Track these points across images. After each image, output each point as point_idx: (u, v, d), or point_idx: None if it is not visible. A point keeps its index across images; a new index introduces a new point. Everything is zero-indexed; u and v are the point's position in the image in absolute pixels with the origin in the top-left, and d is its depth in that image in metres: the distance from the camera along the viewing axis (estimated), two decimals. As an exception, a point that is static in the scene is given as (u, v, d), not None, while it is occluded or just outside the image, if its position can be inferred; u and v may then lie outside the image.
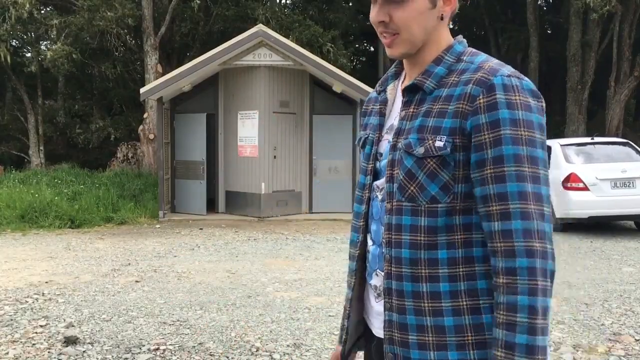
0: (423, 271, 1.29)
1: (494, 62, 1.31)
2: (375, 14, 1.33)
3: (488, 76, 1.26)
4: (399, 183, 1.32)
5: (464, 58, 1.35)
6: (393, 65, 1.51)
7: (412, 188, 1.30)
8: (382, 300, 1.38)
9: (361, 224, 1.45)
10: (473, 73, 1.29)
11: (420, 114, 1.33)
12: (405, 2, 1.30)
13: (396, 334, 1.33)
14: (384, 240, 1.35)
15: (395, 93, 1.46)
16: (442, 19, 1.35)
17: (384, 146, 1.41)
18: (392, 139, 1.37)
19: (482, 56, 1.35)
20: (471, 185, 1.27)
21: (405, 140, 1.32)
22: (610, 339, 4.47)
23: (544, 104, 1.29)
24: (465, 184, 1.28)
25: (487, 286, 1.28)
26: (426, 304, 1.29)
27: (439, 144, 1.27)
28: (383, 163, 1.40)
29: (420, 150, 1.29)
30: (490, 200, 1.23)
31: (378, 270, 1.40)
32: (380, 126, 1.44)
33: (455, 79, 1.31)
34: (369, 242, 1.44)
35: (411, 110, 1.35)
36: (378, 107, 1.48)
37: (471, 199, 1.28)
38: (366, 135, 1.48)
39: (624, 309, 5.28)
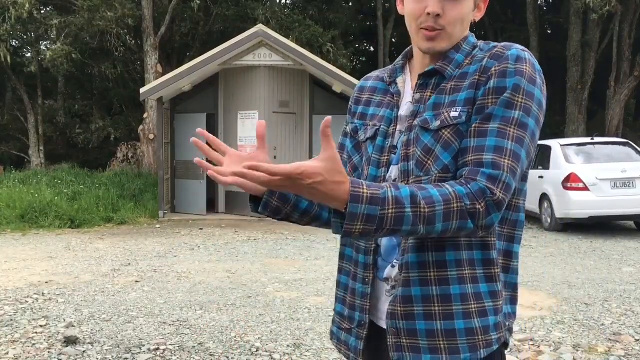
0: (429, 241, 1.30)
1: (507, 42, 1.38)
2: (432, 5, 1.33)
3: (503, 50, 1.33)
4: (417, 159, 1.33)
5: (479, 45, 1.41)
6: (400, 58, 1.51)
7: (429, 162, 1.32)
8: (394, 292, 1.37)
9: None
10: (488, 52, 1.35)
11: (436, 94, 1.37)
12: (460, 0, 1.34)
13: (399, 308, 1.33)
14: None
15: (404, 86, 1.46)
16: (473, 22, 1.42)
17: (397, 137, 1.41)
18: (408, 121, 1.38)
19: (495, 43, 1.41)
20: None
21: (421, 118, 1.35)
22: (610, 339, 4.47)
23: (545, 89, 1.34)
24: None
25: (482, 257, 1.31)
26: (432, 273, 1.30)
27: (454, 114, 1.31)
28: (397, 152, 1.39)
29: (437, 124, 1.32)
30: (468, 152, 1.27)
31: (395, 260, 1.38)
32: (396, 119, 1.43)
33: (469, 60, 1.37)
34: None
35: (428, 93, 1.38)
36: (389, 99, 1.46)
37: None
38: (377, 127, 1.44)
39: (624, 309, 5.27)
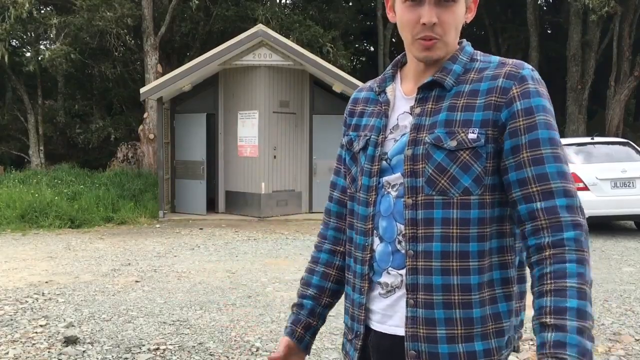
0: (455, 264, 1.30)
1: (512, 59, 1.38)
2: (428, 15, 1.32)
3: (517, 69, 1.32)
4: (428, 177, 1.32)
5: (478, 58, 1.40)
6: (389, 67, 1.51)
7: (443, 181, 1.31)
8: (392, 296, 1.37)
9: (369, 226, 1.42)
10: (498, 69, 1.34)
11: (444, 109, 1.34)
12: (453, 6, 1.34)
13: (422, 330, 1.32)
14: (406, 236, 1.34)
15: (394, 94, 1.45)
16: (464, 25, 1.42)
17: (389, 146, 1.40)
18: (410, 134, 1.36)
19: (496, 57, 1.40)
20: (498, 177, 1.31)
21: (432, 134, 1.33)
22: (610, 339, 4.47)
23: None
24: (493, 176, 1.31)
25: (500, 276, 1.33)
26: (456, 297, 1.30)
27: (472, 136, 1.30)
28: (395, 160, 1.38)
29: (453, 144, 1.31)
30: (529, 183, 1.27)
31: (390, 268, 1.38)
32: (385, 127, 1.42)
33: (476, 75, 1.35)
34: (376, 242, 1.41)
35: (429, 106, 1.37)
36: (378, 108, 1.46)
37: (497, 191, 1.32)
38: (367, 137, 1.45)
39: (624, 309, 5.28)
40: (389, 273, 1.38)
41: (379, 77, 1.52)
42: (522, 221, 1.28)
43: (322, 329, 4.70)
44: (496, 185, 1.32)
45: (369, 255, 1.41)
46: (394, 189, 1.38)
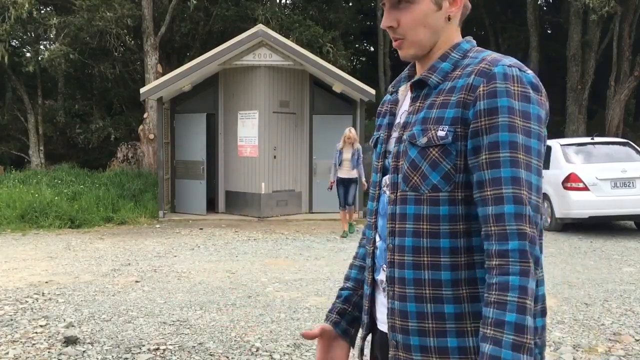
0: (425, 259, 1.32)
1: (497, 55, 1.34)
2: (383, 20, 1.38)
3: (490, 66, 1.29)
4: (404, 173, 1.36)
5: (470, 54, 1.38)
6: (407, 68, 1.55)
7: (415, 178, 1.34)
8: (385, 294, 1.41)
9: (373, 220, 1.47)
10: (477, 65, 1.31)
11: (425, 107, 1.37)
12: (410, 6, 1.35)
13: (397, 322, 1.35)
14: (387, 230, 1.39)
15: (405, 93, 1.49)
16: (449, 19, 1.38)
17: (392, 143, 1.44)
18: (399, 132, 1.41)
19: (487, 52, 1.37)
20: (470, 174, 1.30)
21: (410, 132, 1.36)
22: (610, 339, 4.47)
23: (544, 97, 1.30)
24: (466, 173, 1.30)
25: (483, 275, 1.29)
26: (428, 291, 1.31)
27: (441, 133, 1.30)
28: (390, 158, 1.44)
29: (423, 140, 1.32)
30: (485, 186, 1.25)
31: (384, 265, 1.41)
32: (390, 125, 1.48)
33: (461, 72, 1.34)
34: (377, 239, 1.46)
35: (417, 104, 1.39)
36: (389, 107, 1.52)
37: (471, 188, 1.30)
38: (378, 135, 1.52)
39: (624, 309, 5.27)
40: (383, 270, 1.42)
41: (398, 77, 1.58)
42: (480, 223, 1.28)
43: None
44: (470, 182, 1.30)
45: (372, 249, 1.47)
46: (388, 187, 1.43)
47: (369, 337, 1.52)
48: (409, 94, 1.46)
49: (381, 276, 1.43)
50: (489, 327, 1.20)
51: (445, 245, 1.30)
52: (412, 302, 1.33)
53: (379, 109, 1.61)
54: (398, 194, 1.37)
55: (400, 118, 1.45)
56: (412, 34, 1.37)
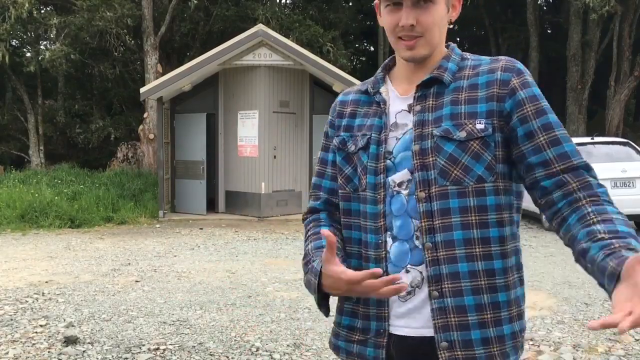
0: (477, 250, 1.35)
1: (502, 56, 1.46)
2: (405, 18, 1.37)
3: (513, 64, 1.40)
4: (440, 168, 1.36)
5: (468, 57, 1.47)
6: (379, 70, 1.55)
7: (456, 172, 1.35)
8: (413, 298, 1.37)
9: (381, 223, 1.43)
10: (492, 64, 1.42)
11: (447, 104, 1.40)
12: (431, 7, 1.38)
13: (453, 319, 1.34)
14: (422, 229, 1.36)
15: (389, 95, 1.49)
16: (449, 23, 1.46)
17: (392, 144, 1.43)
18: (415, 130, 1.40)
19: (484, 56, 1.48)
20: (507, 165, 1.37)
21: (439, 128, 1.38)
22: (610, 339, 4.47)
23: None
24: (504, 163, 1.37)
25: (515, 262, 1.39)
26: (483, 282, 1.34)
27: (479, 126, 1.36)
28: (400, 157, 1.41)
29: (462, 135, 1.36)
30: (552, 162, 1.34)
31: (409, 265, 1.38)
32: (385, 125, 1.45)
33: (470, 72, 1.42)
34: (389, 242, 1.41)
35: (429, 102, 1.41)
36: (375, 108, 1.49)
37: (507, 179, 1.38)
38: (368, 136, 1.46)
39: (624, 309, 5.27)
40: (407, 271, 1.38)
41: (370, 79, 1.56)
42: (548, 192, 1.34)
43: (322, 328, 4.71)
44: (506, 173, 1.37)
45: (383, 252, 1.42)
46: (403, 187, 1.40)
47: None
48: (396, 95, 1.46)
49: (403, 278, 1.38)
50: (603, 234, 1.22)
51: (494, 235, 1.35)
52: (469, 296, 1.34)
53: (340, 108, 1.57)
54: (434, 190, 1.36)
55: (398, 118, 1.44)
56: (430, 33, 1.39)
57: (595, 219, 1.25)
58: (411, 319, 1.39)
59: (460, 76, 1.42)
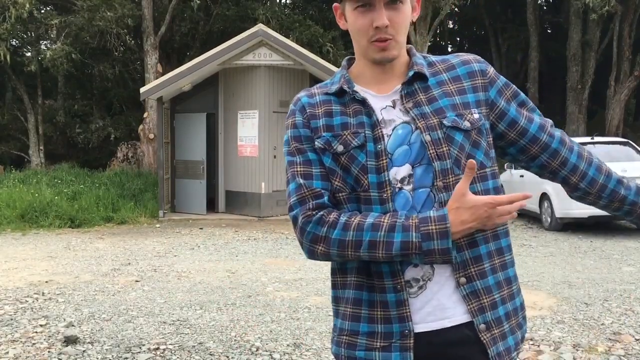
0: (489, 232, 1.42)
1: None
2: (380, 18, 1.36)
3: (477, 56, 1.53)
4: (455, 158, 1.40)
5: (427, 55, 1.55)
6: (340, 70, 1.52)
7: (464, 160, 1.41)
8: (424, 292, 1.37)
9: None
10: (461, 57, 1.51)
11: (441, 96, 1.44)
12: (401, 7, 1.40)
13: (485, 300, 1.39)
14: None
15: (364, 94, 1.46)
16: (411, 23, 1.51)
17: (386, 140, 1.40)
18: (419, 122, 1.40)
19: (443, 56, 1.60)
20: (495, 149, 1.50)
21: (447, 118, 1.41)
22: (610, 339, 4.47)
23: None
24: (493, 148, 1.48)
25: (507, 243, 1.49)
26: (497, 261, 1.43)
27: (475, 116, 1.44)
28: (398, 152, 1.39)
29: (467, 124, 1.42)
30: (545, 127, 1.52)
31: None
32: (372, 124, 1.41)
33: (442, 66, 1.49)
34: None
35: (420, 97, 1.44)
36: (355, 107, 1.44)
37: (496, 161, 1.49)
38: (360, 134, 1.41)
39: (624, 309, 5.27)
40: (415, 266, 1.37)
41: (332, 81, 1.52)
42: (556, 150, 1.51)
43: (322, 328, 4.71)
44: (494, 157, 1.49)
45: None
46: (405, 182, 1.38)
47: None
48: (372, 94, 1.44)
49: (414, 273, 1.37)
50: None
51: None
52: (490, 275, 1.41)
53: (310, 111, 1.47)
54: (452, 179, 1.38)
55: (384, 114, 1.41)
56: (400, 34, 1.41)
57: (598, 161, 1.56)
58: (438, 311, 1.37)
59: (434, 71, 1.47)
